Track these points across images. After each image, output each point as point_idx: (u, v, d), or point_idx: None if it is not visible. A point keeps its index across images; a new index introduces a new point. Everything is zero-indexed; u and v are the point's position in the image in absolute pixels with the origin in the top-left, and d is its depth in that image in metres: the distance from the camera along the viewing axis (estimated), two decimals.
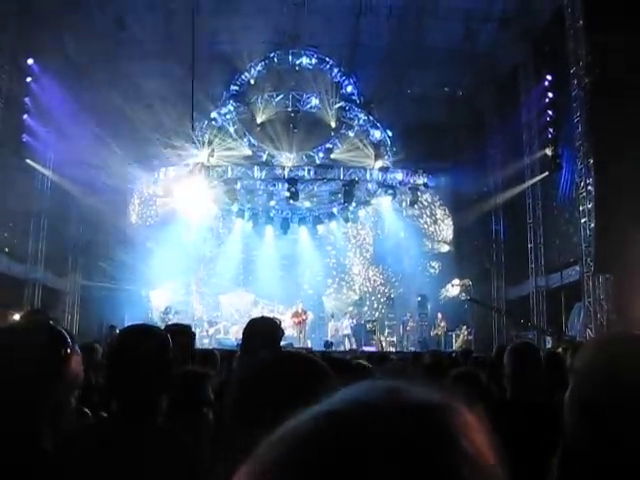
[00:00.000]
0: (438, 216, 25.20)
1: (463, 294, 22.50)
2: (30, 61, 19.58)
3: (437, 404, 0.61)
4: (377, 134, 23.58)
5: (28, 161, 19.87)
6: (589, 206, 17.48)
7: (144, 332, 2.61)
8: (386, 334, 22.78)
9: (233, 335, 20.56)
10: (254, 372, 1.62)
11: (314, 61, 23.36)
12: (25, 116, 19.47)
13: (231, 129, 23.30)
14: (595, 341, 2.36)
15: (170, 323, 7.87)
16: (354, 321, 23.18)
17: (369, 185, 23.67)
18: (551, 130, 20.47)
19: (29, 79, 19.58)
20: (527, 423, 3.44)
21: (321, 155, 23.91)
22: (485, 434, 0.61)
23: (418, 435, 0.57)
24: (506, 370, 4.11)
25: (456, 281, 23.06)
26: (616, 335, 1.90)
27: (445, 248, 25.25)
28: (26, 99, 19.53)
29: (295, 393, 1.47)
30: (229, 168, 22.58)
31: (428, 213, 25.17)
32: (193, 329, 5.01)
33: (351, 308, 24.69)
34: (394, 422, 0.58)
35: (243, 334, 3.69)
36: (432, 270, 25.01)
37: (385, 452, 0.55)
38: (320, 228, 25.81)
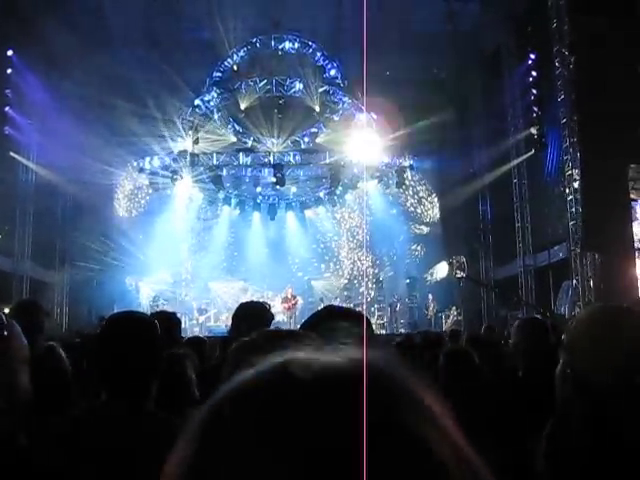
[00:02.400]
0: (421, 194, 25.09)
1: (457, 271, 22.32)
2: (10, 52, 19.36)
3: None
4: (362, 117, 23.46)
5: (12, 154, 19.72)
6: (575, 184, 17.54)
7: (131, 318, 2.60)
8: (376, 317, 22.82)
9: (223, 322, 20.58)
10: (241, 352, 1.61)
11: (297, 45, 23.18)
12: (7, 108, 19.28)
13: (215, 116, 23.18)
14: (579, 315, 2.39)
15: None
16: (344, 304, 23.18)
17: (355, 169, 23.59)
18: (535, 109, 20.44)
19: (9, 71, 19.37)
20: (544, 398, 3.46)
21: (306, 140, 23.82)
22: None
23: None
24: (517, 346, 4.08)
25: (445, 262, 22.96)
26: (596, 307, 1.92)
27: (432, 230, 25.24)
28: (7, 91, 19.33)
29: None
30: (214, 155, 22.49)
31: (411, 193, 25.09)
32: (183, 318, 5.01)
33: (343, 292, 24.72)
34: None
35: (233, 318, 3.72)
36: (420, 252, 25.02)
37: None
38: (308, 213, 25.76)
